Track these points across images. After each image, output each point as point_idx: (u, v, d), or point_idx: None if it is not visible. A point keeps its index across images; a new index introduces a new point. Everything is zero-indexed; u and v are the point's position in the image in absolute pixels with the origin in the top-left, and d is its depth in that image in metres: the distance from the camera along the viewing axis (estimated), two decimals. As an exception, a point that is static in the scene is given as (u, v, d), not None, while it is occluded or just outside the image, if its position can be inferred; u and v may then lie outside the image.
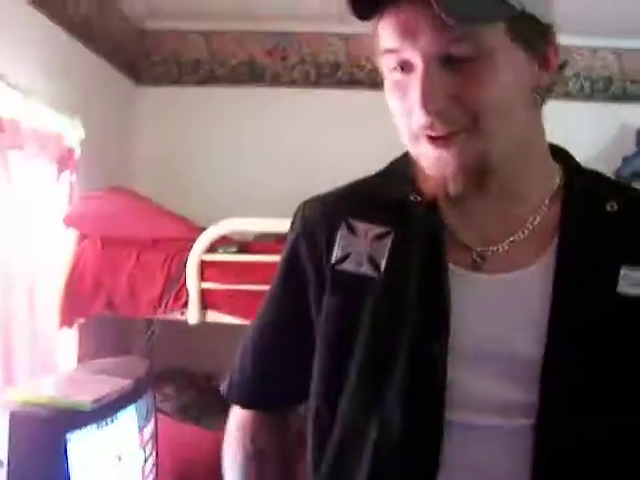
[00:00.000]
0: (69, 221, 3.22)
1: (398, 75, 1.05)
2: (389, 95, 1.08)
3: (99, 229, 3.30)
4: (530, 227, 1.13)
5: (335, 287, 1.17)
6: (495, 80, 1.01)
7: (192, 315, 3.16)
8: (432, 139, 1.04)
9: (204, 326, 3.19)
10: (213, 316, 3.18)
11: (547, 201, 1.14)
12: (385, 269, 1.14)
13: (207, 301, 3.18)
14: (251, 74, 4.60)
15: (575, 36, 4.45)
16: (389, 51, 1.04)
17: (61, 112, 3.11)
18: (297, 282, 1.24)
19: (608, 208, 1.12)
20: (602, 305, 1.06)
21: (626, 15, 4.01)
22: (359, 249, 1.16)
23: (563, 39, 3.83)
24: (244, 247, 3.25)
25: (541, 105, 1.13)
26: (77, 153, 3.26)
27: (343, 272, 1.16)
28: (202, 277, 3.15)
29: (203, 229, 3.23)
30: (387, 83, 1.08)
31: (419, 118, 1.02)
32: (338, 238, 1.18)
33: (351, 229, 1.18)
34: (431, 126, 1.02)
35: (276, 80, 4.60)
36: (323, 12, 4.16)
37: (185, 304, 3.17)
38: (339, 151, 4.08)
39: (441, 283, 1.09)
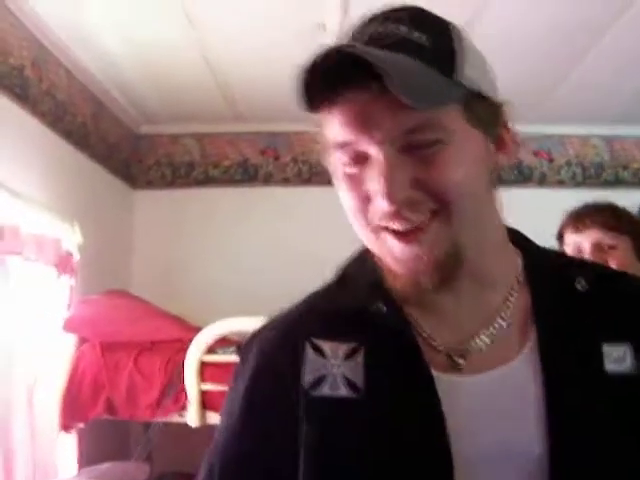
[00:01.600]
0: (68, 326, 3.21)
1: (351, 169, 0.97)
2: (342, 191, 1.00)
3: (97, 333, 3.28)
4: (504, 316, 1.05)
5: (313, 415, 1.03)
6: (458, 163, 0.94)
7: (192, 417, 3.12)
8: (398, 234, 0.97)
9: (204, 428, 3.15)
10: (213, 418, 3.14)
11: (516, 286, 1.08)
12: (364, 389, 1.02)
13: (207, 403, 3.15)
14: (244, 174, 4.67)
15: (566, 124, 4.56)
16: (343, 145, 0.96)
17: (59, 217, 3.14)
18: (266, 430, 1.07)
19: (578, 287, 1.07)
20: (595, 387, 1.00)
21: (616, 102, 4.11)
22: (333, 371, 1.04)
23: (555, 128, 3.91)
24: (243, 347, 3.22)
25: (495, 186, 1.06)
26: (75, 257, 3.28)
27: (319, 398, 1.04)
28: (201, 378, 3.13)
29: (201, 330, 3.22)
30: (339, 179, 1.00)
31: (382, 209, 0.94)
32: (306, 362, 1.06)
33: (317, 350, 1.06)
34: (396, 217, 0.95)
35: (269, 179, 4.67)
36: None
37: (184, 406, 3.14)
38: (335, 248, 4.06)
39: (430, 396, 1.00)
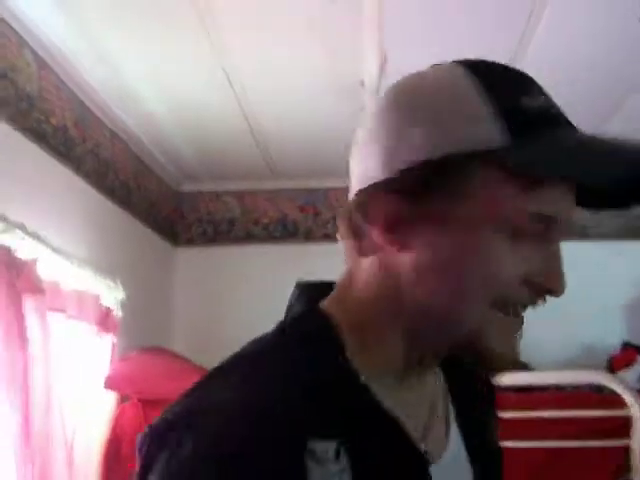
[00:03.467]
0: (109, 383, 3.21)
1: (519, 238, 0.84)
2: (477, 246, 0.85)
3: (138, 391, 3.27)
4: (440, 400, 1.00)
5: None
6: None
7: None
8: (520, 312, 0.90)
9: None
10: None
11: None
12: None
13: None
14: (284, 231, 4.68)
15: None
16: (551, 219, 0.85)
17: (101, 274, 3.16)
18: None
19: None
20: (495, 456, 1.05)
21: None
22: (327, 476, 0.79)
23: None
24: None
25: None
26: (117, 314, 3.29)
27: None
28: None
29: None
30: (488, 234, 0.85)
31: (550, 291, 0.87)
32: (306, 470, 0.78)
33: (313, 455, 0.79)
34: (538, 300, 0.89)
35: (310, 236, 4.68)
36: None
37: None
38: None
39: None
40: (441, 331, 0.89)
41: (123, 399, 3.27)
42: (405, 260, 0.88)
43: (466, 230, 0.84)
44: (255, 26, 2.79)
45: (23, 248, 2.50)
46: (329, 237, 4.62)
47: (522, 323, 0.89)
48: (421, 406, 0.95)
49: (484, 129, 0.82)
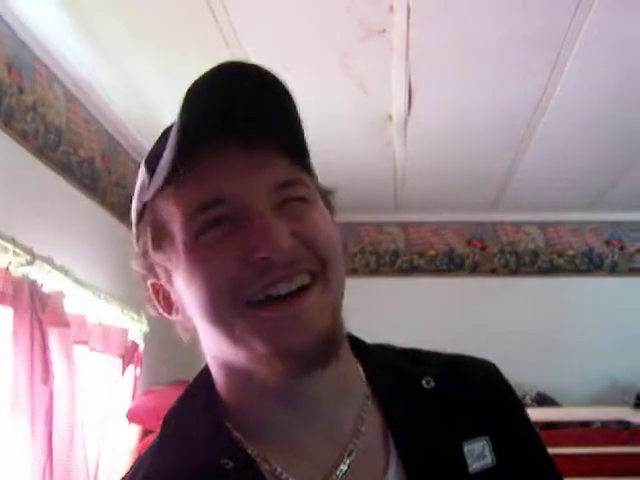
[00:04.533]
0: (131, 416, 3.20)
1: (209, 236, 0.86)
2: (189, 269, 0.87)
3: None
4: (361, 437, 0.93)
5: None
6: (325, 222, 0.90)
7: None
8: (278, 301, 0.84)
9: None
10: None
11: (369, 404, 0.96)
12: None
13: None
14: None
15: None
16: (209, 204, 0.85)
17: (126, 307, 3.16)
18: None
19: (425, 385, 0.97)
20: None
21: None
22: None
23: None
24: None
25: None
26: (141, 347, 3.28)
27: None
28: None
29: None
30: (187, 255, 0.87)
31: (266, 263, 0.83)
32: None
33: None
34: (279, 276, 0.84)
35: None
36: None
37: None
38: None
39: None
40: (233, 360, 0.94)
41: (146, 432, 3.25)
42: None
43: (179, 261, 0.89)
44: (284, 58, 2.79)
45: (49, 281, 2.50)
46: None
47: (298, 311, 0.85)
48: (320, 446, 0.92)
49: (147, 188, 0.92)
